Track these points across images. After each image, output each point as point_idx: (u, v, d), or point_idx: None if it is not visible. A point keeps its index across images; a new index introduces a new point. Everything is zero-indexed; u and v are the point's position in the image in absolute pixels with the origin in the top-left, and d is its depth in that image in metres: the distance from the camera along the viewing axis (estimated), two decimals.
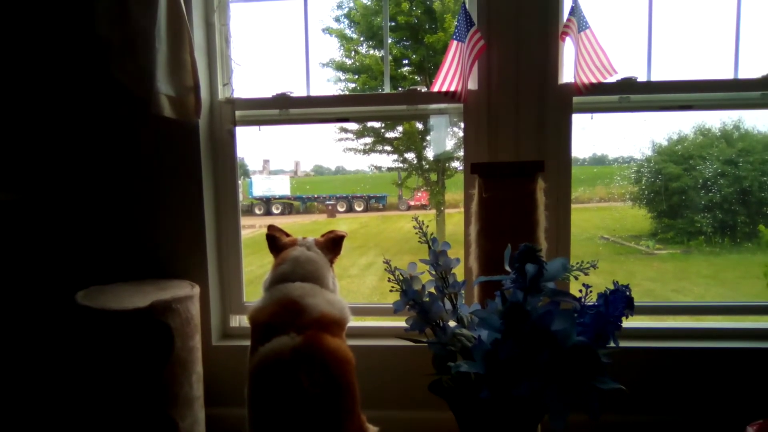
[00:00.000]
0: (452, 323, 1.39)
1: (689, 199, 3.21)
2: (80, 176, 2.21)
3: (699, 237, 3.30)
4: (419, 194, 4.28)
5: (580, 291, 1.20)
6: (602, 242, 3.64)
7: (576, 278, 1.27)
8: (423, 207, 4.24)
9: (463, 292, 1.42)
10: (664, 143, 3.25)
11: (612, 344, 1.15)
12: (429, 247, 1.41)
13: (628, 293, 1.17)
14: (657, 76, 2.16)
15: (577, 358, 1.03)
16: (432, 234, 1.42)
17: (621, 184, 3.29)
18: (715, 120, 3.19)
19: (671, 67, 2.21)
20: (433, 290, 1.38)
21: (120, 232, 2.22)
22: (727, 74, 2.15)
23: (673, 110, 2.19)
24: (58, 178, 2.22)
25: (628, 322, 2.17)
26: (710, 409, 2.09)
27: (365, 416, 1.60)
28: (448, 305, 1.38)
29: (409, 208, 4.34)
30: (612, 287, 1.20)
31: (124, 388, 1.79)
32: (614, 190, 3.37)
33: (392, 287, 1.39)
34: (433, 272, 1.40)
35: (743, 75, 2.13)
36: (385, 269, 1.40)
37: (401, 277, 1.38)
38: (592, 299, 1.20)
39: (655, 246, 3.49)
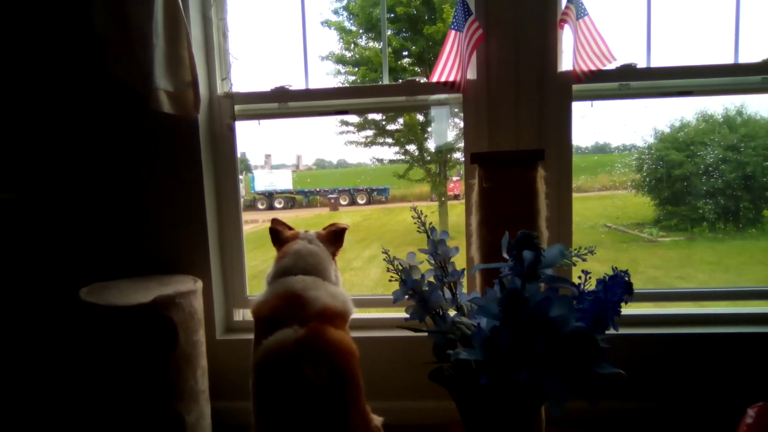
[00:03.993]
0: (452, 312, 1.39)
1: (692, 186, 3.21)
2: (81, 173, 2.22)
3: (702, 223, 3.30)
4: (452, 185, 4.20)
5: (580, 277, 1.20)
6: (605, 230, 3.64)
7: (574, 264, 1.27)
8: (456, 197, 4.13)
9: (462, 281, 1.42)
10: (667, 130, 3.24)
11: (612, 330, 1.15)
12: (428, 237, 1.41)
13: (626, 279, 1.17)
14: (657, 63, 2.15)
15: (576, 343, 1.03)
16: (431, 224, 1.42)
17: (623, 171, 3.29)
18: (718, 106, 3.18)
19: (671, 53, 2.19)
20: (432, 279, 1.38)
21: (122, 228, 2.23)
22: (728, 59, 2.13)
23: (674, 96, 2.18)
24: (58, 175, 2.23)
25: (633, 309, 2.19)
26: (712, 393, 2.09)
27: (370, 407, 1.60)
28: (447, 294, 1.38)
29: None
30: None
31: (129, 383, 1.81)
32: (616, 178, 3.37)
33: (391, 277, 1.39)
34: (432, 261, 1.40)
35: (744, 59, 2.12)
36: (384, 259, 1.40)
37: (400, 267, 1.38)
38: (591, 285, 1.20)
39: (658, 233, 3.49)
